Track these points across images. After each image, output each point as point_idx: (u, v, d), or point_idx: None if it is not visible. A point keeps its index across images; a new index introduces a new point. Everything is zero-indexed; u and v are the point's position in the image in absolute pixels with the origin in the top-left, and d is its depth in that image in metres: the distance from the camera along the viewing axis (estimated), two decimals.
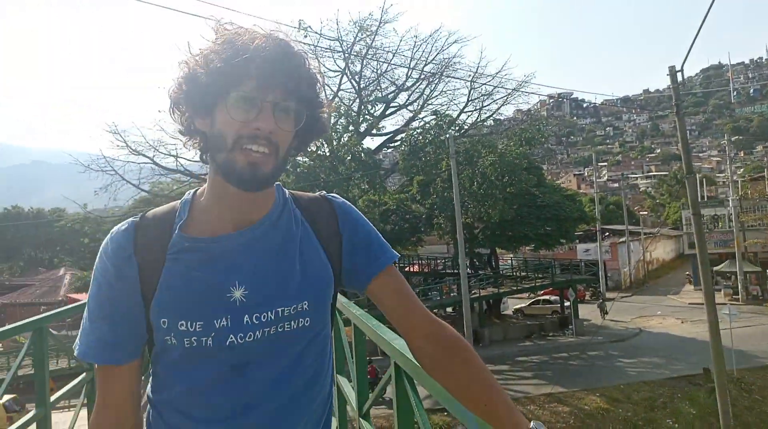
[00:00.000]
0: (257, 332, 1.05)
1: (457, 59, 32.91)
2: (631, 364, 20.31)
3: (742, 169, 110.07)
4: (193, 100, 1.02)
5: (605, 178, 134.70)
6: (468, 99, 34.44)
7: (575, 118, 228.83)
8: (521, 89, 33.57)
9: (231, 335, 1.04)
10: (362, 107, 32.50)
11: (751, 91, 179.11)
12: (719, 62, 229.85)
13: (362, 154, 29.33)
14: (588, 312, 31.39)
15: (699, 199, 46.62)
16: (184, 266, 1.05)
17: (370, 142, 34.69)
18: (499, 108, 35.81)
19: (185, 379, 1.06)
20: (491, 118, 38.22)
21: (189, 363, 1.06)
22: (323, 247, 1.15)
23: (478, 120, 36.58)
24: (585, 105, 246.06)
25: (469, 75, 33.17)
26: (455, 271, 28.70)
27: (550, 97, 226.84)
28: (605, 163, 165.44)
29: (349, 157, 28.61)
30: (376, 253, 1.19)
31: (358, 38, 30.82)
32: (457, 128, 33.65)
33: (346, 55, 30.77)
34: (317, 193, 1.24)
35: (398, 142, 34.44)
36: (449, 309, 33.42)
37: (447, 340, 1.15)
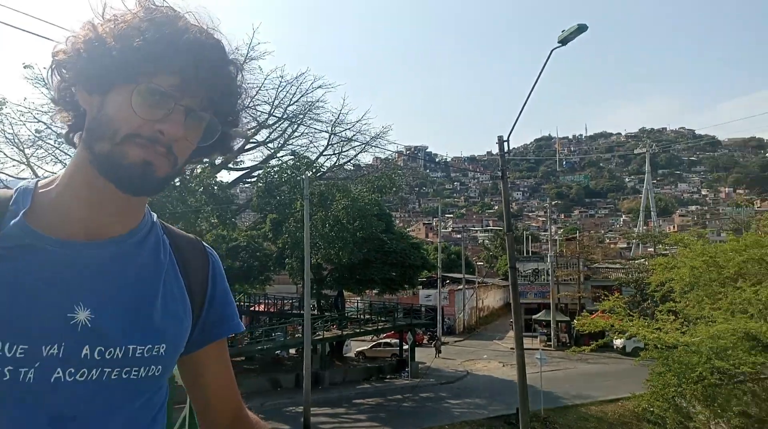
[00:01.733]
0: (94, 371, 0.80)
1: (321, 104, 33.77)
2: (456, 405, 21.70)
3: (561, 230, 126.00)
4: (87, 72, 0.81)
5: (450, 228, 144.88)
6: (328, 143, 35.32)
7: (428, 170, 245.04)
8: (378, 139, 35.36)
9: (59, 369, 0.78)
10: None
11: (564, 163, 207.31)
12: (549, 134, 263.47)
13: (215, 188, 28.42)
14: (425, 355, 33.01)
15: (525, 254, 51.79)
16: (14, 267, 0.79)
17: (226, 176, 33.75)
18: (357, 154, 37.18)
19: None
20: (350, 163, 39.57)
21: None
22: (188, 290, 0.97)
23: (336, 164, 37.62)
24: (437, 160, 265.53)
25: (331, 120, 34.23)
26: (301, 311, 28.59)
27: (407, 148, 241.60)
28: (451, 215, 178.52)
29: (200, 190, 27.50)
30: (229, 316, 1.05)
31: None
32: (314, 170, 34.22)
33: None
34: (193, 236, 1.08)
35: (255, 179, 33.98)
36: (292, 350, 32.94)
37: None
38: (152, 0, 0.86)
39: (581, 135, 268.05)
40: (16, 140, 25.77)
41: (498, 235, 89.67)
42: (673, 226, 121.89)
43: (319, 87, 32.99)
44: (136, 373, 0.84)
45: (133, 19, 0.82)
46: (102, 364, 0.81)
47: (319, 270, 31.30)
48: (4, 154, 26.24)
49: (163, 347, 0.87)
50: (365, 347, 35.23)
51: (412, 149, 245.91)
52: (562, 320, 39.59)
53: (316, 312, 33.12)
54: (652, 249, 54.31)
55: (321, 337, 27.90)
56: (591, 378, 27.08)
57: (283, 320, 31.02)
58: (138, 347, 0.84)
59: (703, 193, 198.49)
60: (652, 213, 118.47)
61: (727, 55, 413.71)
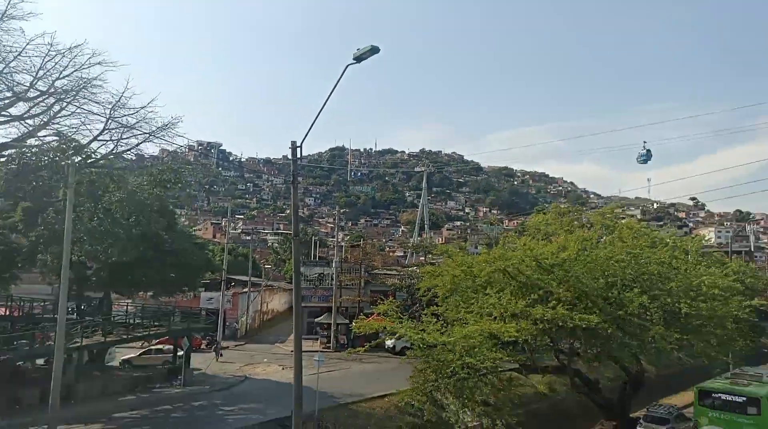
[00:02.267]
0: None
1: (99, 82, 29.76)
2: (231, 411, 21.05)
3: (348, 237, 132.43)
4: None
5: (240, 230, 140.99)
6: (105, 127, 31.32)
7: (221, 169, 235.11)
8: (166, 130, 32.61)
9: None
10: None
11: (359, 173, 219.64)
12: (343, 145, 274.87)
13: None
14: (202, 361, 31.41)
15: (313, 258, 52.79)
16: None
17: None
18: (139, 144, 33.65)
19: None
20: (130, 152, 35.72)
21: None
22: None
23: (113, 152, 33.63)
24: (231, 158, 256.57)
25: (110, 102, 30.43)
26: (56, 315, 24.76)
27: (199, 143, 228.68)
28: (242, 216, 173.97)
29: None
30: None
31: None
32: (84, 156, 30.14)
33: None
34: None
35: (5, 158, 28.37)
36: (40, 361, 28.32)
37: None
38: None
39: (371, 149, 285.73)
40: None
41: (287, 238, 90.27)
42: (442, 238, 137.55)
43: (99, 63, 29.03)
44: None
45: None
46: None
47: (81, 268, 27.67)
48: None
49: None
50: (132, 355, 32.06)
51: (205, 145, 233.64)
52: (342, 323, 41.43)
53: (75, 316, 29.19)
54: (423, 258, 60.31)
55: (78, 344, 24.52)
56: (364, 377, 28.81)
57: (31, 326, 26.43)
58: None
59: (467, 210, 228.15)
60: (425, 225, 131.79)
61: (491, 92, 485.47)
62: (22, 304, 30.60)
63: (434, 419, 20.69)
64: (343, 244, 74.52)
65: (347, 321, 40.33)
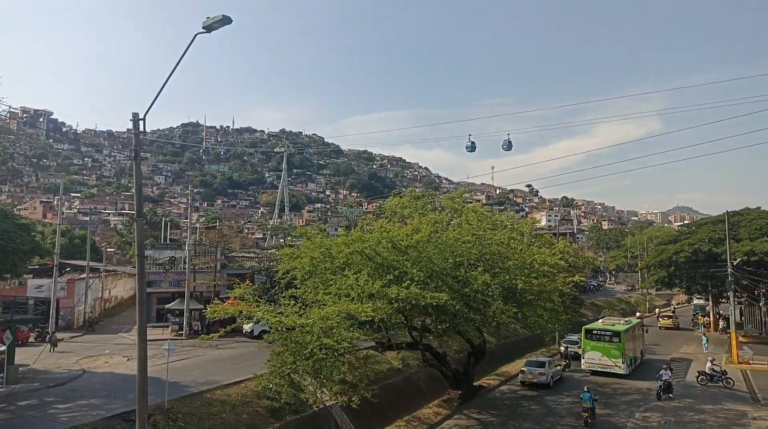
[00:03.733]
0: None
1: None
2: (66, 409, 18.99)
3: (204, 218, 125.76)
4: None
5: (76, 210, 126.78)
6: None
7: (51, 140, 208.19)
8: None
9: None
10: None
11: (222, 152, 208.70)
12: (197, 121, 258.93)
13: None
14: (31, 356, 27.85)
15: (164, 241, 49.89)
16: None
17: None
18: None
19: None
20: None
21: None
22: None
23: None
24: (65, 129, 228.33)
25: None
26: None
27: (24, 110, 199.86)
28: (79, 195, 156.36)
29: None
30: None
31: None
32: None
33: None
34: None
35: None
36: None
37: None
38: None
39: (229, 127, 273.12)
40: None
41: (133, 219, 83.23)
42: (302, 220, 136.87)
43: None
44: None
45: None
46: None
47: None
48: None
49: None
50: None
51: (32, 112, 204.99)
52: (196, 308, 39.51)
53: None
54: (283, 240, 59.59)
55: None
56: (220, 363, 27.85)
57: None
58: None
59: (327, 193, 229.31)
60: (286, 207, 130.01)
61: (349, 77, 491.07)
62: None
63: (292, 401, 20.71)
64: (197, 225, 70.60)
65: (202, 306, 38.53)
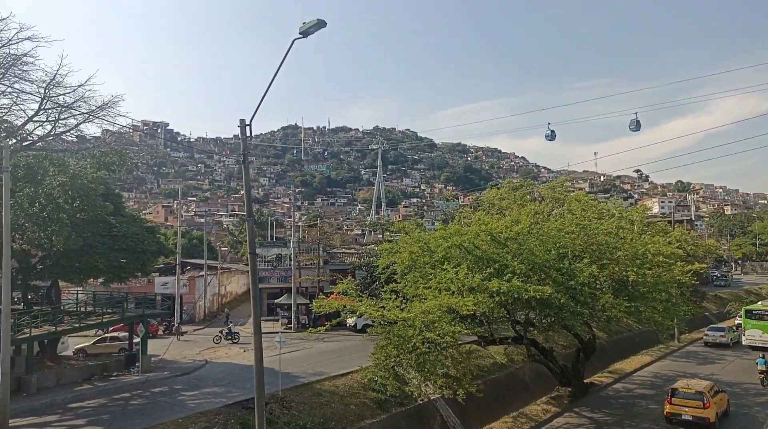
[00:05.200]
0: None
1: (31, 59, 28.04)
2: (193, 396, 20.78)
3: (305, 216, 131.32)
4: None
5: (193, 212, 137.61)
6: (40, 107, 29.65)
7: (169, 149, 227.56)
8: (107, 109, 31.13)
9: None
10: None
11: (327, 152, 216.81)
12: (296, 124, 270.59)
13: None
14: (160, 347, 30.78)
15: (270, 239, 52.41)
16: None
17: None
18: (79, 124, 32.07)
19: None
20: (70, 134, 33.99)
21: None
22: None
23: (52, 134, 31.93)
24: (180, 138, 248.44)
25: (45, 81, 28.73)
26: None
27: (145, 123, 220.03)
28: (194, 198, 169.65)
29: None
30: None
31: None
32: (19, 138, 28.52)
33: None
34: None
35: None
36: None
37: None
38: None
39: (325, 127, 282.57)
40: None
41: (243, 220, 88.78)
42: (399, 216, 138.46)
43: (28, 38, 27.34)
44: None
45: None
46: None
47: (25, 257, 26.45)
48: None
49: None
50: (87, 343, 31.11)
51: (151, 125, 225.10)
52: (303, 303, 41.36)
53: (22, 306, 27.99)
54: (381, 235, 60.64)
55: (27, 335, 23.55)
56: (327, 356, 28.97)
57: None
58: None
59: (423, 187, 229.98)
60: (382, 203, 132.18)
61: (441, 69, 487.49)
62: None
63: (397, 393, 21.08)
64: (300, 223, 73.91)
65: (307, 301, 40.28)
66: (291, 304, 41.00)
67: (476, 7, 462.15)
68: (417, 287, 22.72)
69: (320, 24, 11.91)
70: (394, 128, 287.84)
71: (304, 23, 12.07)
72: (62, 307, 29.97)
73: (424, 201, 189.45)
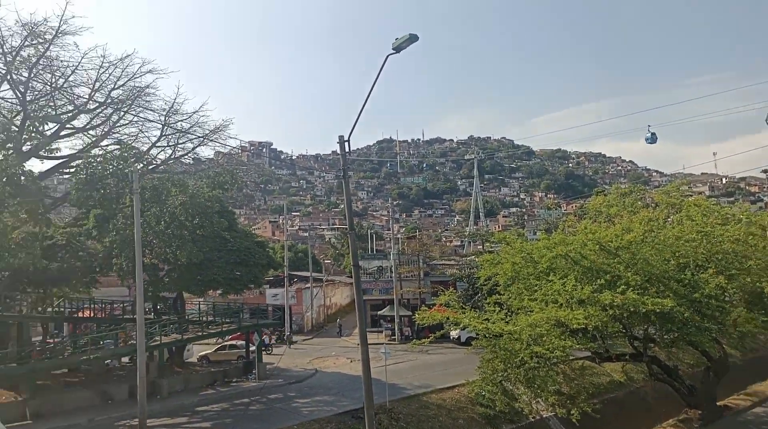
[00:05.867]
0: None
1: (152, 90, 31.20)
2: (306, 404, 21.67)
3: (403, 229, 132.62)
4: None
5: (297, 227, 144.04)
6: (161, 134, 32.80)
7: (273, 167, 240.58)
8: (219, 133, 33.73)
9: None
10: (27, 123, 27.58)
11: (425, 165, 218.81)
12: (391, 137, 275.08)
13: (22, 178, 24.78)
14: (272, 356, 32.44)
15: (370, 252, 53.19)
16: None
17: (38, 165, 29.64)
18: (195, 148, 35.14)
19: None
20: (188, 157, 37.20)
21: None
22: None
23: (172, 157, 35.11)
24: (283, 157, 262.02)
25: (164, 109, 31.75)
26: (135, 316, 26.23)
27: (251, 143, 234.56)
28: (298, 213, 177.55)
29: (3, 179, 23.77)
30: None
31: (26, 43, 26.39)
32: (146, 163, 31.60)
33: (8, 58, 25.99)
34: None
35: (74, 169, 30.21)
36: (125, 358, 30.14)
37: None
38: None
39: (419, 139, 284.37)
40: None
41: (344, 233, 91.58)
42: (498, 226, 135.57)
43: (149, 72, 30.53)
44: None
45: None
46: None
47: (154, 271, 29.08)
48: None
49: None
50: (209, 351, 33.52)
51: (257, 145, 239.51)
52: (405, 315, 41.68)
53: (152, 316, 30.71)
54: (481, 246, 59.68)
55: (158, 342, 25.89)
56: (431, 368, 28.92)
57: (114, 326, 28.12)
58: None
59: (522, 196, 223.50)
60: (480, 213, 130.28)
61: (536, 74, 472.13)
62: (103, 306, 32.61)
63: (507, 410, 20.54)
64: (398, 236, 74.81)
65: (410, 313, 40.56)
66: (394, 315, 41.48)
67: (571, 8, 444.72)
68: (522, 299, 22.04)
69: (412, 38, 12.11)
70: (489, 137, 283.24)
71: (396, 39, 12.33)
72: (187, 317, 32.54)
73: (524, 210, 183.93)
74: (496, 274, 24.86)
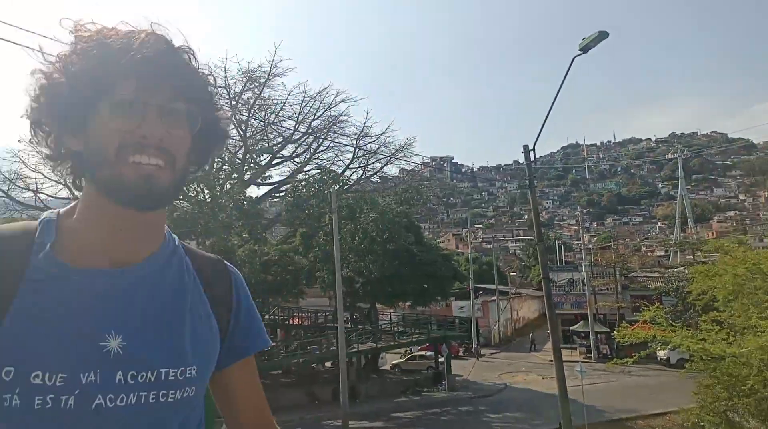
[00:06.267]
0: (132, 396, 0.82)
1: (345, 118, 34.19)
2: (496, 418, 21.28)
3: (595, 238, 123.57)
4: (57, 115, 0.84)
5: (480, 239, 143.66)
6: (353, 156, 35.61)
7: (455, 181, 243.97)
8: (404, 151, 35.47)
9: (100, 395, 0.79)
10: (247, 156, 32.24)
11: (619, 169, 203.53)
12: (576, 142, 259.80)
13: (245, 203, 28.85)
14: (460, 367, 32.61)
15: (559, 263, 50.76)
16: (46, 299, 0.81)
17: (255, 191, 34.35)
18: (383, 167, 37.43)
19: None
20: (376, 175, 39.77)
21: None
22: (213, 310, 0.98)
23: (363, 177, 37.85)
24: (464, 170, 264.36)
25: (355, 134, 34.50)
26: (336, 324, 28.62)
27: (433, 159, 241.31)
28: (480, 225, 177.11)
29: (231, 205, 27.94)
30: (256, 332, 1.06)
31: (246, 87, 30.94)
32: (341, 184, 34.48)
33: (233, 102, 30.66)
34: (214, 255, 1.08)
35: (283, 193, 34.43)
36: (328, 363, 32.95)
37: None
38: (85, 24, 0.86)
39: (609, 141, 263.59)
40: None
41: (530, 244, 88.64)
42: (712, 233, 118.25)
43: (342, 101, 33.44)
44: (172, 395, 0.86)
45: (74, 46, 0.83)
46: (137, 388, 0.82)
47: (351, 283, 31.32)
48: (43, 174, 27.40)
49: (194, 369, 0.89)
50: (400, 360, 34.99)
51: (438, 160, 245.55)
52: (602, 331, 38.62)
53: (349, 325, 33.15)
54: (692, 256, 52.66)
55: (356, 349, 27.81)
56: (635, 391, 26.26)
57: (318, 333, 31.02)
58: (170, 370, 0.86)
59: (741, 197, 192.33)
60: (688, 219, 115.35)
61: (759, 54, 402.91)
62: (308, 315, 36.21)
63: None
64: (590, 246, 69.89)
65: (607, 329, 37.45)
66: (588, 331, 38.68)
67: None
68: (748, 317, 18.80)
69: (602, 36, 11.32)
70: (696, 132, 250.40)
71: (583, 39, 11.64)
72: (379, 327, 34.44)
73: (744, 213, 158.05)
74: (712, 288, 21.67)
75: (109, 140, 0.82)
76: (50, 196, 28.39)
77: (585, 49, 11.60)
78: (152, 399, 0.84)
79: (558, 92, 12.55)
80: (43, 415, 0.76)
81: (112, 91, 0.81)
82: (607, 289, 44.00)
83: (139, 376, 0.83)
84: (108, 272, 0.86)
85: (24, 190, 27.52)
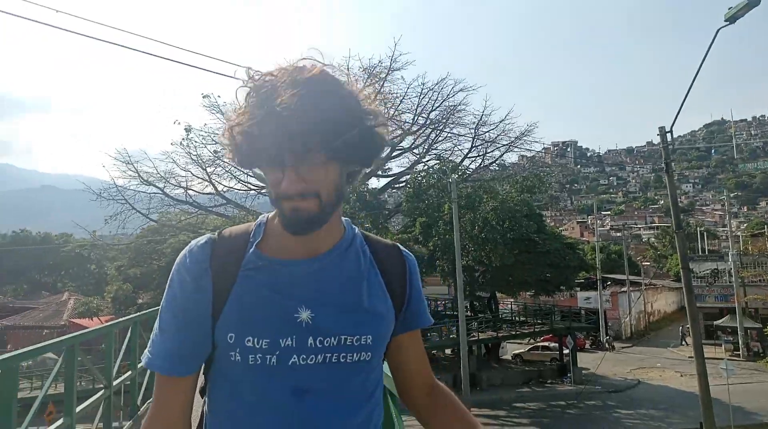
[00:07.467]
0: (319, 356, 1.05)
1: (463, 107, 33.88)
2: (628, 415, 20.17)
3: (744, 225, 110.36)
4: (243, 161, 1.03)
5: (608, 227, 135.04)
6: (472, 145, 35.26)
7: (579, 166, 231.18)
8: (524, 138, 34.45)
9: (294, 355, 1.04)
10: None
11: (742, 149, 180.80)
12: (722, 118, 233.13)
13: (367, 194, 29.95)
14: (587, 361, 31.23)
15: (701, 253, 46.39)
16: (255, 284, 1.07)
17: (375, 183, 35.42)
18: (502, 155, 36.68)
19: (245, 398, 1.05)
20: (494, 164, 39.05)
21: (250, 382, 1.05)
22: (389, 291, 1.16)
23: (481, 166, 37.37)
24: (589, 154, 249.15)
25: (474, 122, 34.11)
26: (455, 313, 28.82)
27: (554, 144, 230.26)
28: (608, 213, 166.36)
29: (354, 197, 29.22)
30: (422, 311, 1.24)
31: (367, 83, 31.93)
32: (460, 173, 34.35)
33: None
34: (390, 241, 1.28)
35: (403, 184, 35.15)
36: (448, 351, 33.29)
37: (446, 398, 1.25)
38: (254, 74, 1.00)
39: (763, 116, 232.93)
40: (200, 160, 29.95)
41: (666, 232, 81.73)
42: None
43: (461, 90, 33.14)
44: (351, 357, 1.07)
45: (246, 103, 0.98)
46: (323, 350, 1.05)
47: (470, 272, 31.28)
48: (191, 172, 30.60)
49: (369, 337, 1.09)
50: (522, 350, 34.35)
51: (561, 145, 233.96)
52: (753, 327, 34.77)
53: (469, 313, 33.16)
54: None
55: (476, 338, 27.81)
56: None
57: (437, 321, 31.45)
58: (348, 337, 1.07)
59: None
60: None
61: None
62: (428, 302, 36.74)
63: None
64: (738, 233, 62.67)
65: (759, 325, 33.66)
66: (736, 326, 34.99)
67: None
68: None
69: (752, 3, 10.24)
70: None
71: (729, 8, 10.63)
72: (500, 316, 34.04)
73: None
74: None
75: (272, 184, 1.00)
76: (197, 193, 31.72)
77: (732, 20, 10.63)
78: (334, 360, 1.06)
79: (699, 68, 11.58)
80: (255, 369, 1.04)
81: (264, 150, 0.96)
82: (759, 280, 39.40)
83: (325, 341, 1.05)
84: (299, 262, 1.09)
85: (176, 187, 30.98)
